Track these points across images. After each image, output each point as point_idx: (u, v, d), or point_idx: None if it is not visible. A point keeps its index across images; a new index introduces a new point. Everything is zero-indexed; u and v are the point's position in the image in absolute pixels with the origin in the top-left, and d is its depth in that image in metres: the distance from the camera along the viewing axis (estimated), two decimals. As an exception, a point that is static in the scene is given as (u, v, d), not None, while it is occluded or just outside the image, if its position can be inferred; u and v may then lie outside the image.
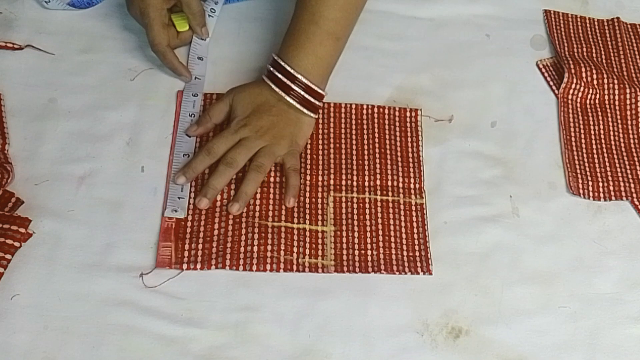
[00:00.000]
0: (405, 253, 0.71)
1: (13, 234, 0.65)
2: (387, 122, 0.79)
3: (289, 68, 0.72)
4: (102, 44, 0.81)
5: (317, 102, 0.74)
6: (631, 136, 0.83)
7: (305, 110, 0.74)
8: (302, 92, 0.73)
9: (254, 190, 0.71)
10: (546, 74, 0.87)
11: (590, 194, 0.77)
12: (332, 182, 0.74)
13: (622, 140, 0.83)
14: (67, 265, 0.66)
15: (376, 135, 0.78)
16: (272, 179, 0.73)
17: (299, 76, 0.72)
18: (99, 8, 0.84)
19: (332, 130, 0.78)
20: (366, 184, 0.75)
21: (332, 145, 0.77)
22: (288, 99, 0.73)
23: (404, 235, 0.72)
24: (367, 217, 0.72)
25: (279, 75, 0.73)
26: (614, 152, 0.81)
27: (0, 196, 0.67)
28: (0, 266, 0.63)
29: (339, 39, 0.74)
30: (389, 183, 0.75)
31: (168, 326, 0.64)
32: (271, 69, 0.74)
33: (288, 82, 0.73)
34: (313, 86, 0.73)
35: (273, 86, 0.73)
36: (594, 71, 0.85)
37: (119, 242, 0.68)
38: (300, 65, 0.72)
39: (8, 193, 0.68)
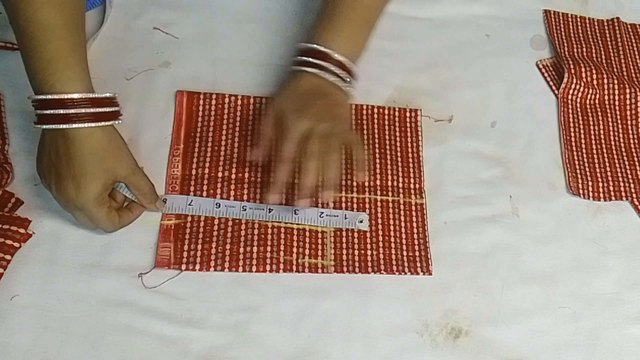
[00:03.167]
0: (405, 253, 0.71)
1: (13, 234, 0.65)
2: (387, 122, 0.79)
3: (322, 49, 0.70)
4: (101, 44, 0.81)
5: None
6: (631, 136, 0.83)
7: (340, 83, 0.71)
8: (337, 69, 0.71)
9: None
10: (546, 74, 0.87)
11: (590, 194, 0.77)
12: (332, 182, 0.74)
13: (622, 140, 0.83)
14: (67, 266, 0.66)
15: (376, 135, 0.78)
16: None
17: (334, 53, 0.70)
18: (99, 8, 0.84)
19: (332, 130, 0.78)
20: (366, 184, 0.74)
21: (332, 146, 0.77)
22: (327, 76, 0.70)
23: (403, 236, 0.72)
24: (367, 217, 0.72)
25: (312, 60, 0.70)
26: (614, 152, 0.81)
27: (0, 196, 0.67)
28: (0, 267, 0.63)
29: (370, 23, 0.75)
30: (389, 183, 0.75)
31: (168, 326, 0.64)
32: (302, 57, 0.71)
33: (322, 63, 0.70)
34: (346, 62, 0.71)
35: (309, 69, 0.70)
36: (594, 71, 0.85)
37: (119, 242, 0.68)
38: (335, 47, 0.71)
39: (8, 193, 0.68)
